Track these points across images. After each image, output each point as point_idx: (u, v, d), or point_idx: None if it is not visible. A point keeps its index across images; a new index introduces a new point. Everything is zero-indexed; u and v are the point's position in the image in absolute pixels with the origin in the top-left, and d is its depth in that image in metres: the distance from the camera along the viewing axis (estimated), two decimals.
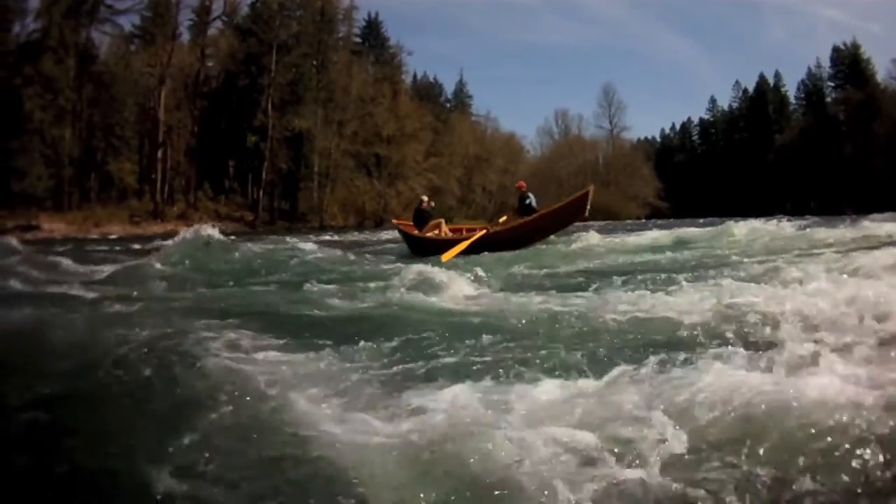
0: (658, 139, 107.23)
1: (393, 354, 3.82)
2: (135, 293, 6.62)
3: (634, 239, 13.87)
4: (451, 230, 15.65)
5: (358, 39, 63.31)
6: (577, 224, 15.62)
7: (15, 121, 38.82)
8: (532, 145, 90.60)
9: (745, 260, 8.49)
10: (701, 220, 32.97)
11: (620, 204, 78.04)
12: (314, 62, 53.32)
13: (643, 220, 59.81)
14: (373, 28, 66.76)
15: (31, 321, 4.56)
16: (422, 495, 2.10)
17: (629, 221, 59.06)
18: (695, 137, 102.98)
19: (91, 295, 6.44)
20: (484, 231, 13.78)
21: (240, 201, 49.28)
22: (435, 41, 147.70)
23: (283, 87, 50.31)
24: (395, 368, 3.51)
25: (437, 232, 15.05)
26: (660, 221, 46.47)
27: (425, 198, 17.23)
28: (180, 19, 48.33)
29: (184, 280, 7.94)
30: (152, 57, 45.39)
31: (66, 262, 10.16)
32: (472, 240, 12.79)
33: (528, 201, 15.11)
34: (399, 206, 52.66)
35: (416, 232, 15.28)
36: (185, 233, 10.85)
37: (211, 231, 10.56)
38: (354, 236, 28.83)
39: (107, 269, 9.52)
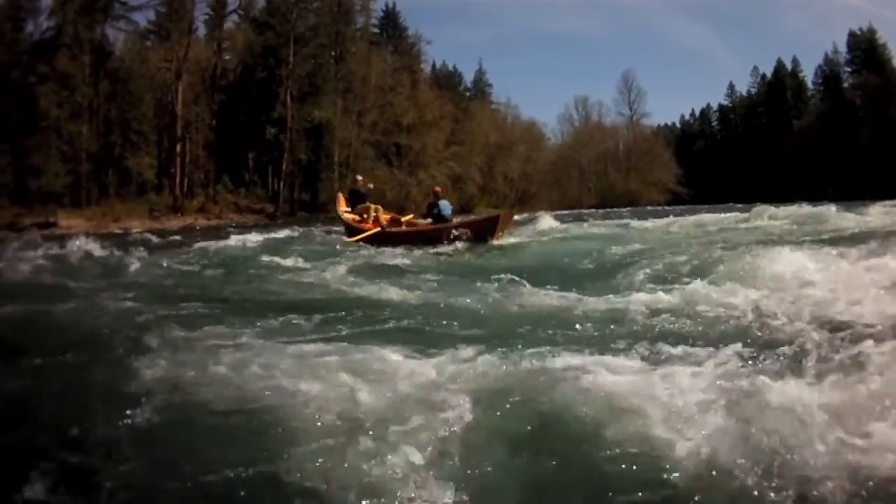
0: (678, 125, 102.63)
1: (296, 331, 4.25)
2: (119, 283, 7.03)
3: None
4: (390, 219, 15.21)
5: (376, 30, 60.19)
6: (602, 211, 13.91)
7: (31, 119, 36.58)
8: (553, 132, 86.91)
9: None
10: (722, 206, 32.06)
11: (641, 190, 75.95)
12: (332, 53, 50.26)
13: (661, 207, 56.93)
14: (390, 18, 63.43)
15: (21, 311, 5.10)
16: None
17: (649, 207, 56.50)
18: (714, 123, 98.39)
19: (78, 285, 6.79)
20: (378, 229, 13.63)
21: (260, 193, 46.24)
22: (453, 30, 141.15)
23: (301, 78, 47.10)
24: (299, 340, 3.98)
25: (365, 216, 14.61)
26: (679, 207, 44.09)
27: (360, 177, 17.09)
28: (196, 14, 45.17)
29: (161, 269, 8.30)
30: (168, 52, 42.46)
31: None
32: (367, 234, 13.11)
33: (435, 210, 14.00)
34: (420, 195, 50.13)
35: (347, 209, 15.31)
36: None
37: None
38: None
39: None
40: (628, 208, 53.13)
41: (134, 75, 42.35)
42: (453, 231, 12.41)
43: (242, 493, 2.23)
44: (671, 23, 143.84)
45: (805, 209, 13.61)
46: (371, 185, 16.74)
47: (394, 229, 13.73)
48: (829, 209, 13.58)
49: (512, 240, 13.09)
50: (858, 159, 64.30)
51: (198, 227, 33.45)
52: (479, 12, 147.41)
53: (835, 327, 3.73)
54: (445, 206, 14.03)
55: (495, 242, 12.33)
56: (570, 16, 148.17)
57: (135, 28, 44.02)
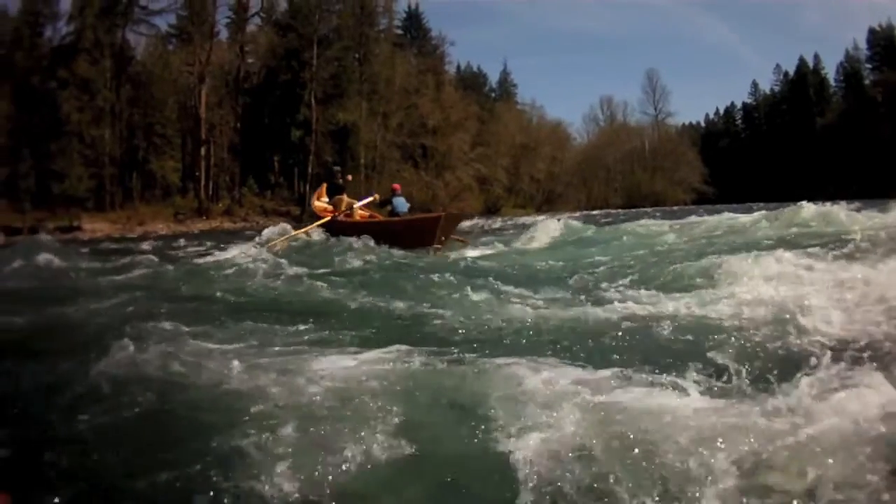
0: (702, 124, 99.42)
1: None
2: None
3: None
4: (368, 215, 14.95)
5: (399, 31, 57.95)
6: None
7: (52, 123, 34.92)
8: (578, 133, 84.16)
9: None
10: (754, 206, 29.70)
11: (667, 190, 73.50)
12: (356, 55, 47.92)
13: (686, 206, 54.01)
14: (414, 20, 61.13)
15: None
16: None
17: (675, 208, 53.67)
18: (738, 122, 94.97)
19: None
20: (332, 217, 13.62)
21: (286, 196, 43.94)
22: (477, 31, 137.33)
23: (325, 80, 44.67)
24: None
25: (342, 208, 14.31)
26: (703, 207, 40.92)
27: (338, 168, 16.72)
28: (217, 17, 43.40)
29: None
30: (191, 56, 40.75)
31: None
32: (320, 222, 13.18)
33: (388, 207, 14.08)
34: (447, 197, 48.10)
35: (325, 199, 15.28)
36: None
37: None
38: None
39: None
40: (653, 208, 50.46)
41: (156, 79, 40.31)
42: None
43: (200, 489, 2.19)
44: (694, 22, 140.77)
45: (825, 208, 10.92)
46: (349, 177, 16.79)
47: (341, 219, 13.56)
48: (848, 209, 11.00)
49: (472, 253, 10.25)
50: (883, 156, 61.43)
51: (219, 231, 31.69)
52: (503, 12, 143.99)
53: (786, 346, 3.43)
54: (400, 203, 13.81)
55: (434, 253, 10.35)
56: (594, 15, 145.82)
57: (156, 32, 42.36)
